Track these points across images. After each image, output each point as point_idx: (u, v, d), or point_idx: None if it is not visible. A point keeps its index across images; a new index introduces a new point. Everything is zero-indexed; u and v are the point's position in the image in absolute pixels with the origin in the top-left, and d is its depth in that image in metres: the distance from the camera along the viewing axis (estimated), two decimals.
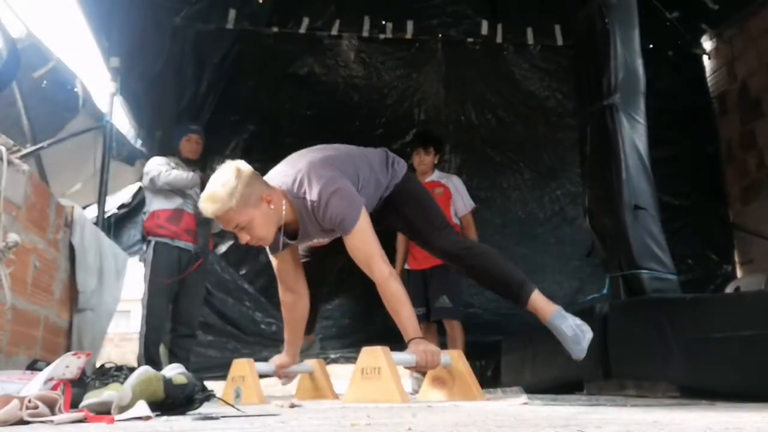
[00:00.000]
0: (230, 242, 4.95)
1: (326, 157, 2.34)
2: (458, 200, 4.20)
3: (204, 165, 4.23)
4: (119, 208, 4.76)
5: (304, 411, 1.78)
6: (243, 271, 5.00)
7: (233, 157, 5.05)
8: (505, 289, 2.41)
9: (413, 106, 5.44)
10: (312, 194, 2.20)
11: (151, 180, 3.81)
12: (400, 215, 2.61)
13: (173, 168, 3.83)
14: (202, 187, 3.85)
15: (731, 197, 5.36)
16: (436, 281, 4.10)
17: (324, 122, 5.32)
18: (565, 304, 5.23)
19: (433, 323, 4.20)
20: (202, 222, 3.82)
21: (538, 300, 2.33)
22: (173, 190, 3.82)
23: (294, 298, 2.60)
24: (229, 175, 2.17)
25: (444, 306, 4.05)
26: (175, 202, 3.84)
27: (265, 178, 2.34)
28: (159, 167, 3.82)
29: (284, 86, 5.30)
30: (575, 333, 2.29)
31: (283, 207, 2.23)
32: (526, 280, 2.39)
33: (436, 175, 4.28)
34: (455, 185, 4.24)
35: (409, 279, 4.26)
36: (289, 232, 2.35)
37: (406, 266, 4.30)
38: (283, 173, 2.33)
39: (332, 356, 4.92)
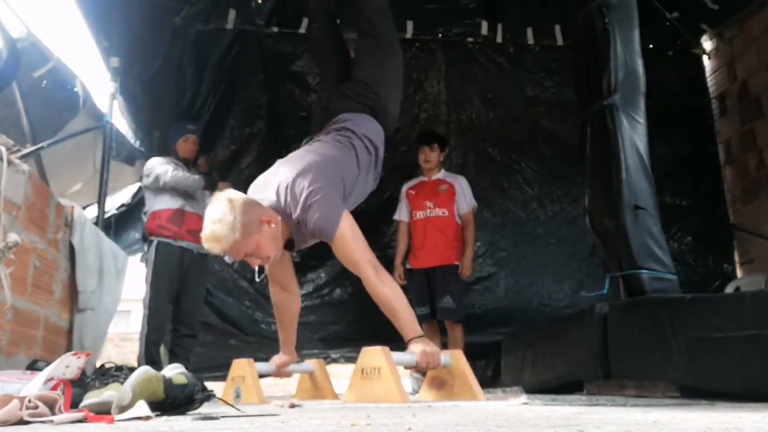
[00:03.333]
0: None
1: (309, 165, 2.30)
2: (461, 199, 4.27)
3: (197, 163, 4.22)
4: (119, 208, 4.75)
5: (304, 411, 1.78)
6: (243, 271, 4.99)
7: (233, 157, 5.12)
8: None
9: (414, 106, 5.43)
10: (296, 211, 2.21)
11: (156, 178, 3.79)
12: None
13: (174, 166, 3.83)
14: (212, 189, 3.86)
15: (731, 197, 5.36)
16: (441, 281, 4.13)
17: None
18: (566, 304, 5.26)
19: (437, 323, 4.22)
20: None
21: None
22: (177, 190, 3.82)
23: (287, 298, 2.63)
24: (224, 209, 2.14)
25: (448, 306, 4.07)
26: (177, 203, 3.84)
27: (252, 190, 2.34)
28: (164, 166, 3.81)
29: (284, 86, 5.30)
30: None
31: (280, 221, 2.23)
32: None
33: (442, 174, 4.35)
34: (461, 185, 4.32)
35: (411, 278, 4.27)
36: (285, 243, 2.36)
37: (408, 265, 4.32)
38: (268, 188, 2.31)
39: (332, 356, 4.92)
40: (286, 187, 2.24)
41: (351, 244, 2.21)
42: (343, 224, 2.20)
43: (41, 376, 1.70)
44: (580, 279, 5.15)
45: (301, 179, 2.23)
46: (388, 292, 2.17)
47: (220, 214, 2.13)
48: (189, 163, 3.99)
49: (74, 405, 1.60)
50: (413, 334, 2.16)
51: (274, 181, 2.30)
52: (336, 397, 2.78)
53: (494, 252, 5.23)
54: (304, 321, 4.84)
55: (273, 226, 2.19)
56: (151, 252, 3.82)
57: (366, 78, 2.73)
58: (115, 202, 4.72)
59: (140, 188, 4.58)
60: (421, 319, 4.14)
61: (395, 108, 2.82)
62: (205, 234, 2.14)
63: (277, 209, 2.25)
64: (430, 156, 4.29)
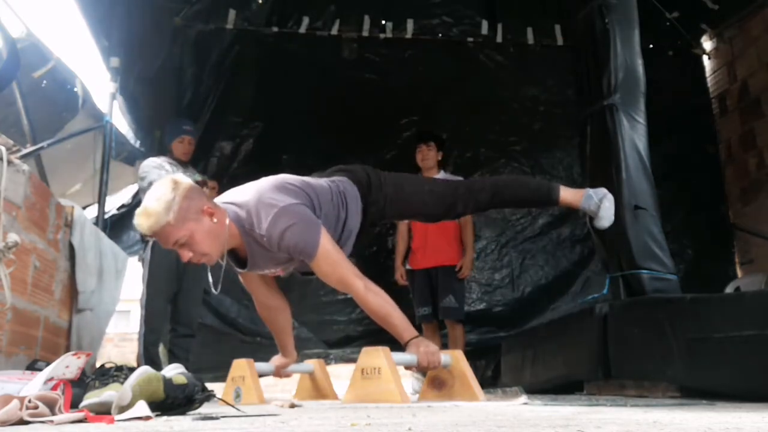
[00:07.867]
0: None
1: (278, 183, 2.18)
2: None
3: (198, 165, 4.21)
4: (119, 208, 4.75)
5: (304, 411, 1.78)
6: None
7: (232, 156, 5.12)
8: (537, 203, 2.73)
9: (413, 106, 5.43)
10: (261, 227, 2.06)
11: (151, 185, 3.73)
12: (407, 215, 2.69)
13: (167, 171, 3.78)
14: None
15: (731, 197, 5.36)
16: (443, 280, 4.13)
17: (324, 122, 5.32)
18: (565, 305, 5.23)
19: (437, 322, 4.23)
20: None
21: (567, 197, 2.54)
22: None
23: (271, 313, 2.59)
24: (165, 188, 2.03)
25: (450, 306, 4.08)
26: None
27: (219, 198, 2.22)
28: (159, 172, 3.74)
29: (284, 86, 5.30)
30: (597, 207, 2.51)
31: (227, 223, 2.08)
32: (550, 185, 2.59)
33: (441, 175, 4.33)
34: None
35: (412, 279, 4.27)
36: (240, 259, 2.24)
37: (408, 266, 4.32)
38: (231, 200, 2.17)
39: (333, 356, 4.92)
40: (254, 201, 2.10)
41: (336, 258, 2.11)
42: (324, 240, 2.09)
43: (41, 376, 1.70)
44: (580, 279, 5.15)
45: (269, 193, 2.11)
46: (380, 301, 2.12)
47: (160, 193, 2.03)
48: (186, 165, 3.97)
49: (74, 405, 1.60)
50: (410, 336, 2.15)
51: (240, 195, 2.18)
52: (336, 397, 2.78)
53: (497, 251, 5.23)
54: (305, 321, 4.85)
55: (215, 220, 2.05)
56: (148, 252, 3.81)
57: (385, 187, 2.42)
58: (115, 202, 4.72)
59: (140, 188, 4.57)
60: (423, 319, 4.15)
61: (391, 213, 2.49)
62: (138, 209, 2.02)
63: (236, 221, 2.10)
64: (428, 155, 4.27)
